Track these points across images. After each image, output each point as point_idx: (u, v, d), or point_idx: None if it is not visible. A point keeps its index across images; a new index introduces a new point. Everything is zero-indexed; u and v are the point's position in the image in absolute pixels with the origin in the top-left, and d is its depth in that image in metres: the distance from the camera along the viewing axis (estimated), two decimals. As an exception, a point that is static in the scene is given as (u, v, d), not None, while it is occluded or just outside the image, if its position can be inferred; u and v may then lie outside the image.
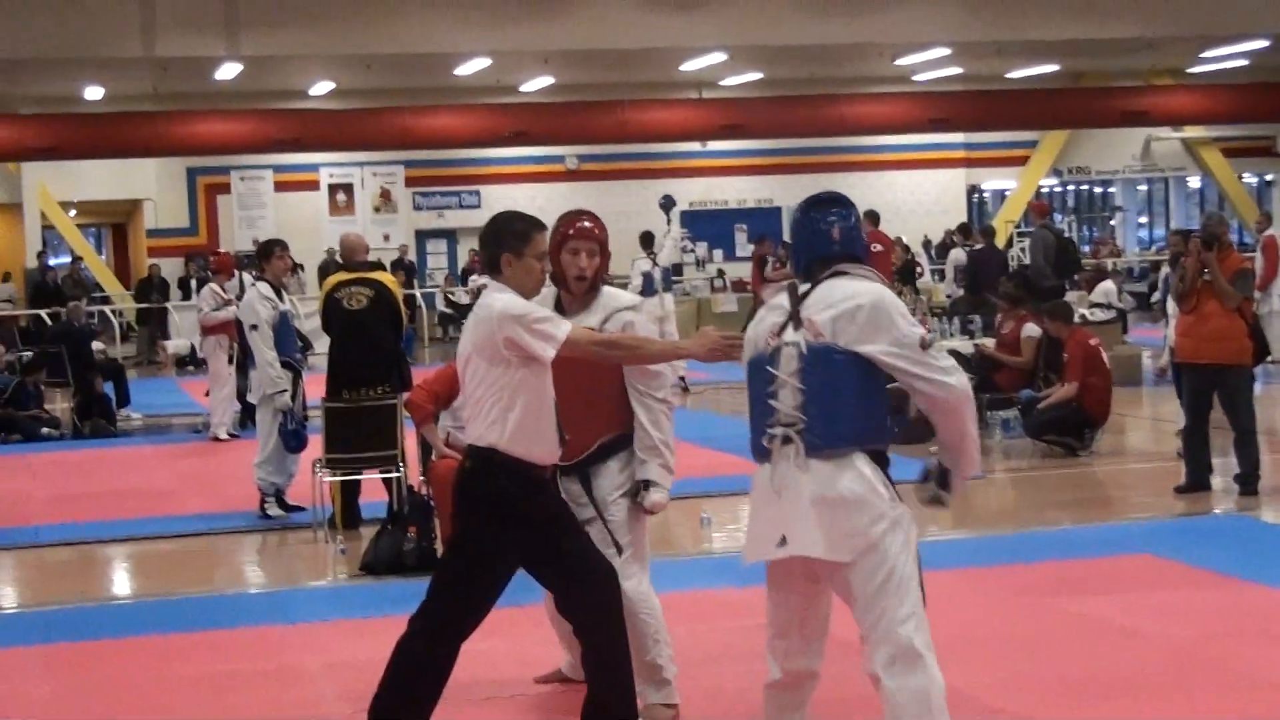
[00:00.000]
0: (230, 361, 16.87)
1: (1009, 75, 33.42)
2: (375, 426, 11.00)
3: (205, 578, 10.48)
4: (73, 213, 34.16)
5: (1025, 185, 37.17)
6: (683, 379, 20.19)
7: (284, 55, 26.49)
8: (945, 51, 29.55)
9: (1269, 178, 41.08)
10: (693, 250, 34.40)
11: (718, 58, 28.79)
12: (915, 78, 33.41)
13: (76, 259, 33.31)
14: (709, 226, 35.78)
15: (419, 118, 28.93)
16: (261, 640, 8.52)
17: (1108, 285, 22.66)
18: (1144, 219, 42.50)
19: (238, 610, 9.29)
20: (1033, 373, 14.70)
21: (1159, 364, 14.67)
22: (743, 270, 33.23)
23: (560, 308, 6.61)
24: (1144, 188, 41.78)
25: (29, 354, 20.16)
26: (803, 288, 5.31)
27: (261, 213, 33.11)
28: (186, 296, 30.08)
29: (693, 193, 36.02)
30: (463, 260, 33.99)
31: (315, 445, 11.56)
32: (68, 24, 23.37)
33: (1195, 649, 7.57)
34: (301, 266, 28.79)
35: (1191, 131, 37.31)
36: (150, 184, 33.53)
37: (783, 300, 5.36)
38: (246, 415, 16.73)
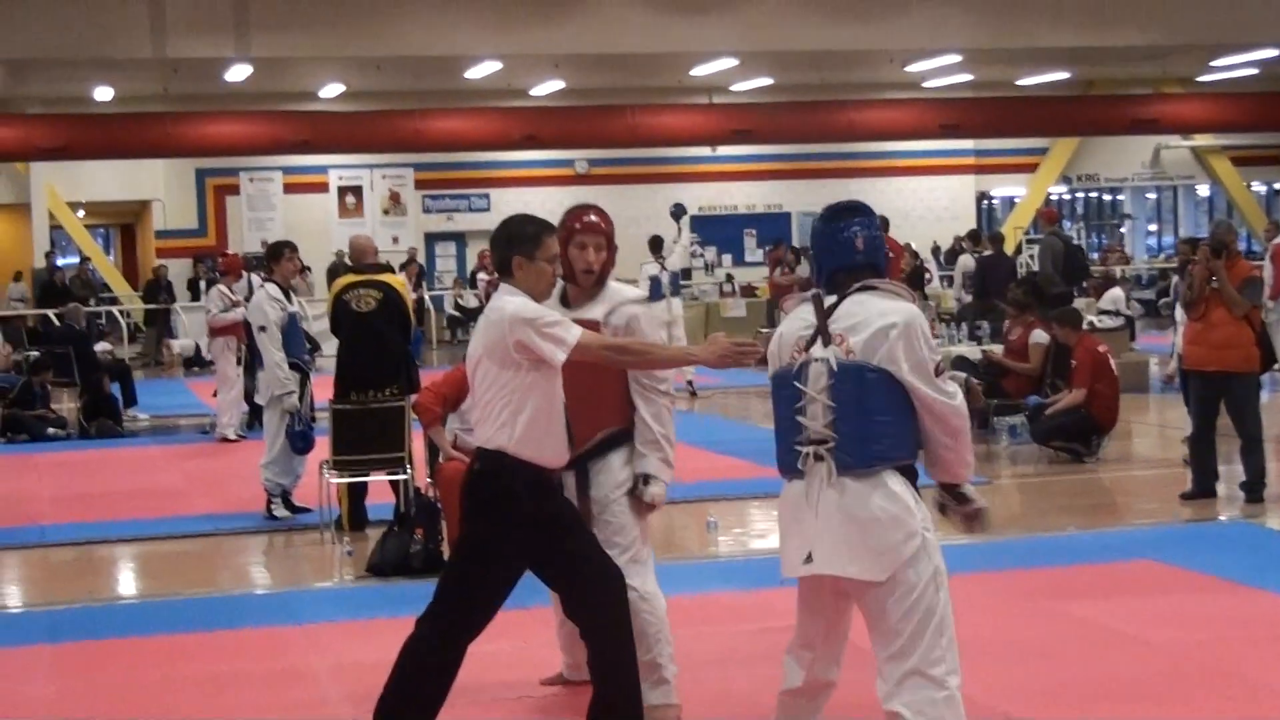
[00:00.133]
0: (238, 363, 16.90)
1: (1019, 82, 33.42)
2: (383, 428, 11.01)
3: (211, 578, 10.49)
4: (81, 213, 34.21)
5: (1034, 192, 37.16)
6: (691, 383, 20.21)
7: (294, 57, 26.53)
8: (956, 58, 29.55)
9: (1278, 186, 41.05)
10: (702, 255, 34.42)
11: (728, 63, 28.79)
12: (925, 84, 33.41)
13: (85, 259, 33.35)
14: (718, 231, 35.81)
15: (429, 120, 28.93)
16: (267, 641, 8.53)
17: (1116, 292, 22.64)
18: (1153, 227, 42.48)
19: (244, 611, 9.30)
20: (1040, 379, 14.69)
21: (1167, 371, 14.66)
22: (752, 275, 33.29)
23: (566, 301, 6.63)
24: (1153, 196, 41.77)
25: (36, 354, 20.17)
26: (828, 300, 5.26)
27: (270, 214, 33.13)
28: (196, 297, 30.12)
29: (702, 198, 36.04)
30: (471, 263, 34.01)
31: (322, 447, 11.58)
32: (77, 25, 23.43)
33: (1200, 655, 7.56)
34: (308, 268, 28.83)
35: (1201, 140, 37.32)
36: (159, 185, 33.59)
37: (806, 313, 5.29)
38: (254, 416, 16.75)
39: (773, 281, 28.01)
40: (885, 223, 20.47)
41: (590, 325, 6.41)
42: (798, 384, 5.15)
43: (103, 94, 29.67)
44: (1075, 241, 28.14)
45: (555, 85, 31.04)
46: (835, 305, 5.20)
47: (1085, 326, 15.30)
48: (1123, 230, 40.99)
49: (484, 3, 24.24)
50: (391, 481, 11.12)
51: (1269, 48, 28.79)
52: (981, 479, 13.01)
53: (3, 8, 22.63)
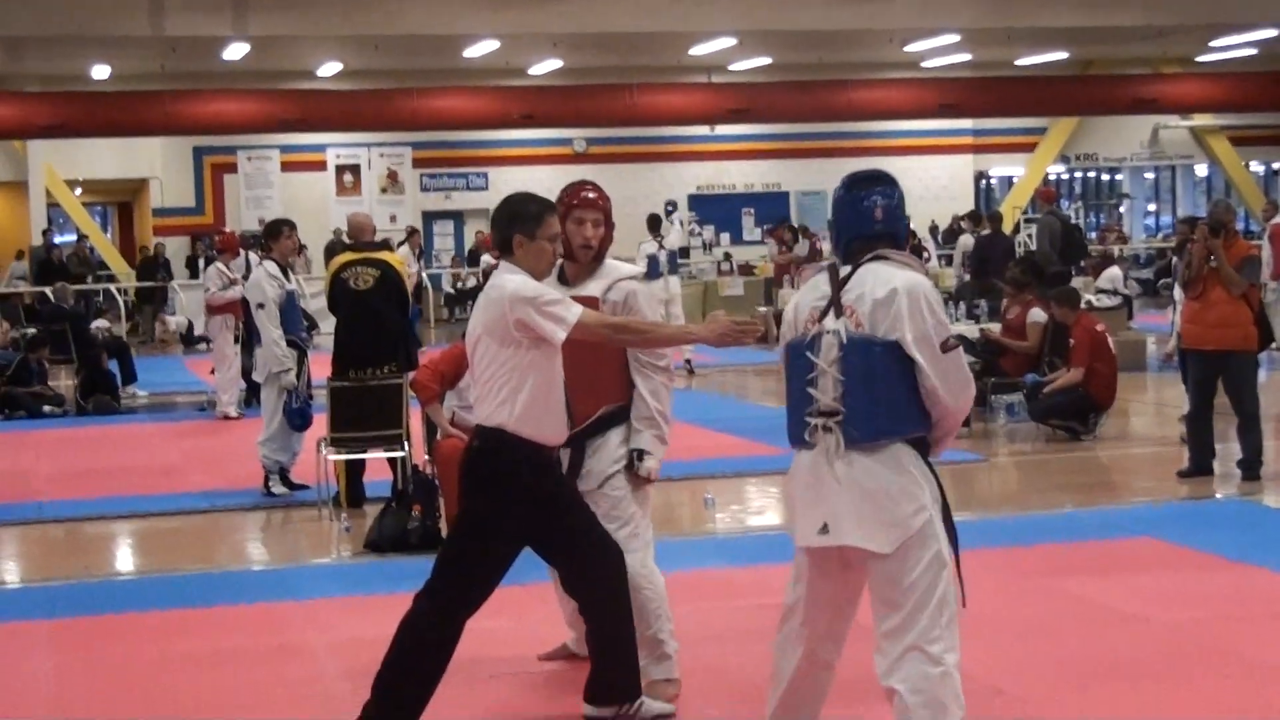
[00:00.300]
0: (236, 340, 16.90)
1: (1018, 62, 33.39)
2: (380, 406, 11.01)
3: (209, 555, 10.49)
4: (79, 191, 34.18)
5: (1033, 172, 37.15)
6: (689, 361, 20.23)
7: (292, 35, 26.51)
8: (954, 38, 29.54)
9: (1276, 166, 41.07)
10: (700, 234, 34.41)
11: (727, 42, 28.77)
12: (924, 64, 33.39)
13: (82, 237, 33.32)
14: (716, 210, 35.80)
15: (427, 99, 28.92)
16: (265, 617, 8.54)
17: (1114, 271, 22.66)
18: (1151, 206, 42.48)
19: (241, 587, 9.30)
20: (1038, 357, 14.69)
21: (1166, 349, 14.67)
22: (750, 254, 33.26)
23: (564, 278, 6.63)
24: (1151, 175, 41.76)
25: (33, 331, 20.16)
26: (843, 271, 5.22)
27: (268, 193, 33.09)
28: (194, 275, 30.11)
29: (700, 177, 36.03)
30: (469, 242, 34.00)
31: (320, 424, 11.58)
32: (75, 2, 23.40)
33: (1197, 632, 7.57)
34: (304, 246, 28.80)
35: (1199, 120, 37.31)
36: (156, 163, 33.55)
37: (822, 283, 5.26)
38: (251, 394, 16.75)
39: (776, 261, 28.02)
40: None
41: (588, 302, 6.41)
42: (810, 355, 5.13)
43: (100, 72, 29.63)
44: (1073, 221, 28.13)
45: (553, 64, 31.01)
46: (849, 276, 5.18)
47: (1083, 305, 15.30)
48: (1121, 210, 40.98)
49: (482, -19, 24.25)
50: (389, 459, 11.13)
51: (1268, 28, 28.78)
52: (978, 455, 13.04)
53: (0, -16, 22.63)
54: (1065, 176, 40.32)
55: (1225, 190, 38.47)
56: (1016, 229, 32.34)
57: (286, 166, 33.39)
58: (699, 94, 31.01)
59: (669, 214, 21.25)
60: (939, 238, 33.64)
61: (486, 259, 28.96)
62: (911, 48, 30.77)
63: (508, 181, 32.91)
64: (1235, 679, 6.81)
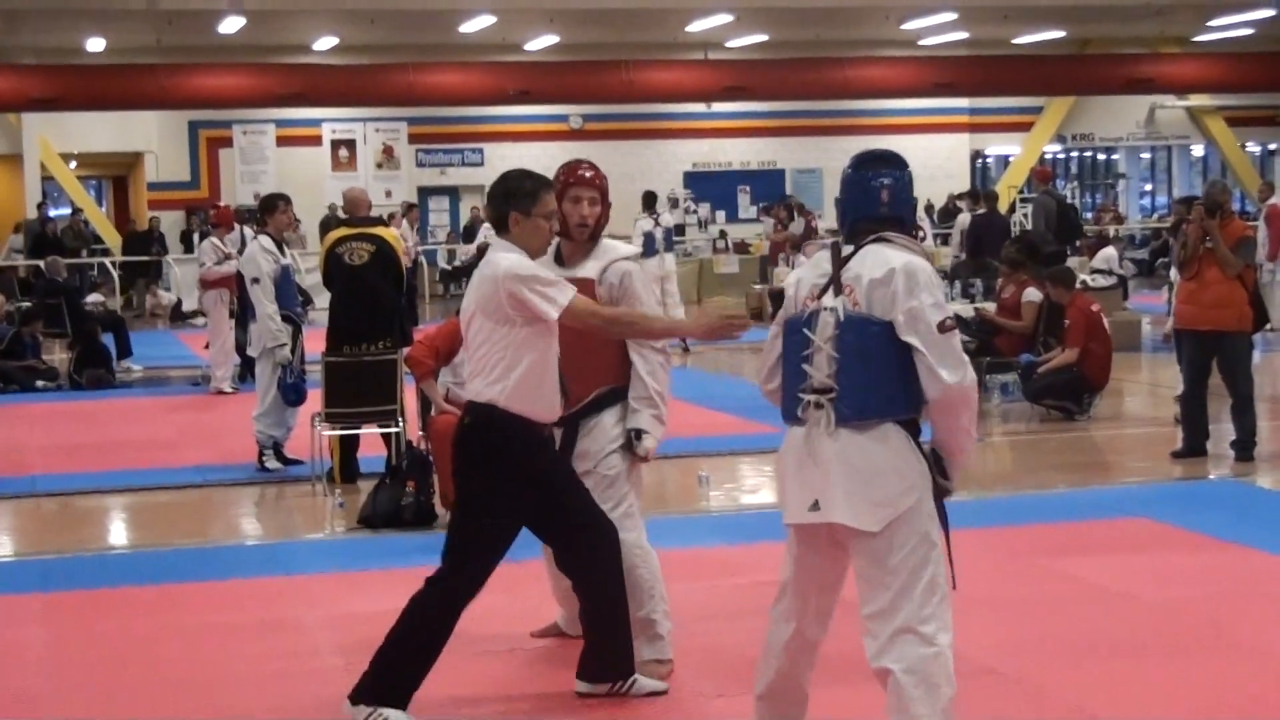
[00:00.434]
0: (230, 315, 16.88)
1: (1015, 41, 33.36)
2: (375, 381, 11.00)
3: (203, 529, 10.49)
4: (73, 165, 34.11)
5: (1029, 151, 37.12)
6: (683, 339, 20.21)
7: (287, 9, 26.46)
8: (951, 16, 29.49)
9: (1272, 147, 41.05)
10: (695, 211, 34.38)
11: (724, 19, 28.72)
12: (921, 42, 33.35)
13: (76, 211, 33.26)
14: (712, 188, 35.76)
15: (423, 75, 28.86)
16: (258, 592, 8.53)
17: (1109, 252, 22.66)
18: (1147, 186, 42.47)
19: (235, 562, 9.30)
20: (1033, 337, 14.70)
21: (1164, 330, 14.68)
22: (745, 232, 33.27)
23: (560, 258, 6.62)
24: (1147, 155, 41.74)
25: (28, 305, 20.13)
26: (845, 250, 5.21)
27: (263, 167, 33.05)
28: (189, 250, 30.07)
29: (696, 154, 35.98)
30: (465, 218, 33.94)
31: (314, 399, 11.57)
32: (70, -25, 23.34)
33: (1189, 612, 7.58)
34: (298, 220, 28.74)
35: (1196, 100, 37.27)
36: (151, 137, 33.47)
37: (824, 260, 5.24)
38: (246, 368, 16.73)
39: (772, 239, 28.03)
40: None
41: (584, 283, 6.42)
42: (807, 331, 5.13)
43: (95, 45, 29.55)
44: (1069, 201, 28.12)
45: (549, 40, 30.95)
46: (851, 255, 5.17)
47: (1078, 285, 15.29)
48: (1117, 190, 40.97)
49: (479, -45, 24.18)
50: (383, 434, 11.13)
51: (1265, 7, 28.75)
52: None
53: (-5, -43, 22.56)
54: (1061, 156, 40.30)
55: (1221, 171, 38.46)
56: (1012, 209, 32.33)
57: (282, 141, 33.34)
58: (695, 71, 30.96)
59: (672, 207, 21.21)
60: (934, 216, 33.62)
61: (486, 230, 28.90)
62: (908, 25, 30.72)
63: (503, 157, 32.86)
64: (1227, 659, 6.83)
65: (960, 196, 31.26)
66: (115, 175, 37.44)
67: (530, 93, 29.15)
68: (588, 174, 6.69)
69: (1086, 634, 7.19)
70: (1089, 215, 35.57)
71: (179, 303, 27.65)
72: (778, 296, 5.41)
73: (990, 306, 15.62)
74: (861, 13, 29.57)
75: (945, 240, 29.50)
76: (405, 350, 10.84)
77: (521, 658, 7.04)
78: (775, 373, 5.32)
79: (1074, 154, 40.90)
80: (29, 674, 7.09)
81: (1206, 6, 29.46)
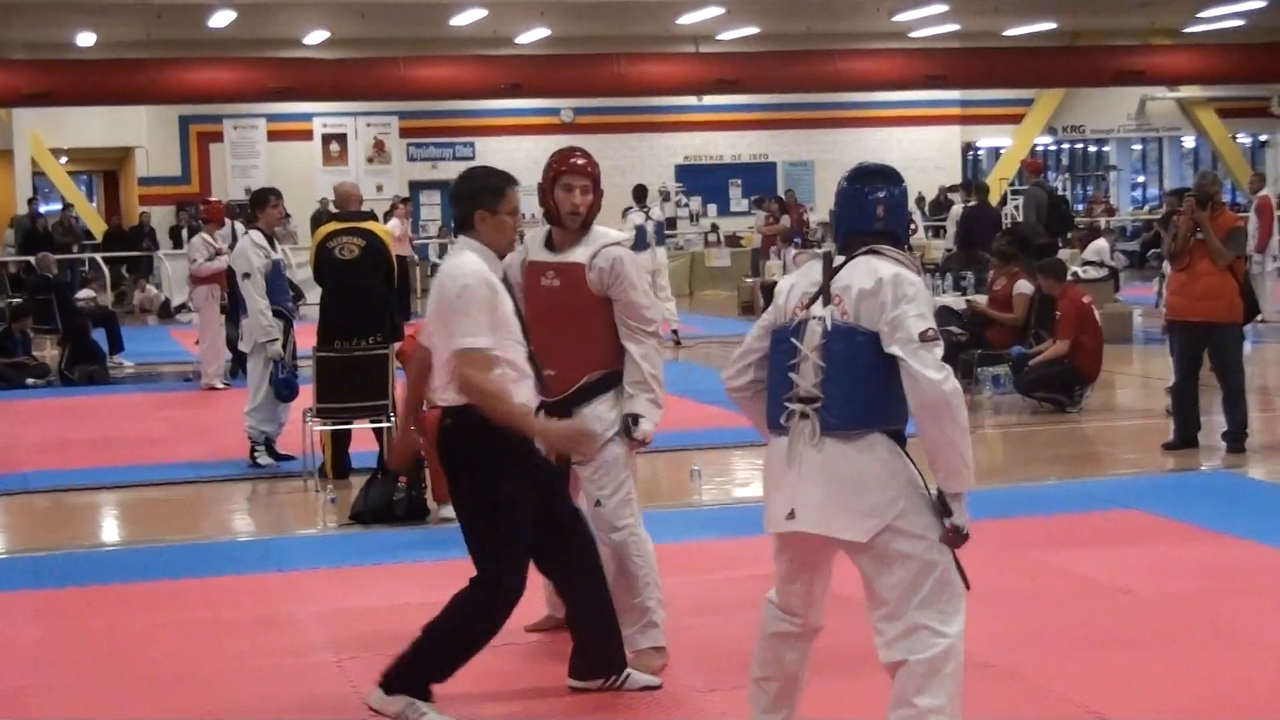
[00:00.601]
0: (221, 311, 16.85)
1: (1006, 33, 33.35)
2: (366, 376, 10.99)
3: (194, 526, 10.47)
4: (64, 160, 34.04)
5: (1020, 143, 37.12)
6: (675, 332, 20.21)
7: (278, 3, 26.42)
8: (943, 8, 29.50)
9: (1263, 138, 41.08)
10: (686, 205, 34.37)
11: (715, 11, 28.71)
12: (912, 34, 33.33)
13: (67, 206, 33.20)
14: (703, 181, 35.74)
15: (414, 68, 28.83)
16: (250, 588, 8.52)
17: (1100, 243, 22.70)
18: (1139, 178, 42.48)
19: (227, 558, 9.29)
20: (1024, 329, 14.71)
21: (1163, 322, 14.69)
22: (736, 225, 33.25)
23: (551, 244, 6.62)
24: (1139, 147, 41.77)
25: (18, 300, 20.09)
26: (836, 260, 5.19)
27: (254, 162, 33.01)
28: (178, 245, 30.03)
29: (688, 147, 35.95)
30: (456, 212, 33.88)
31: (306, 394, 11.56)
32: (60, -31, 23.28)
33: (1182, 604, 7.59)
34: (288, 215, 28.71)
35: (1187, 91, 37.28)
36: (142, 132, 33.40)
37: (814, 270, 5.23)
38: (237, 364, 16.71)
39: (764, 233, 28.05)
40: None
41: (574, 269, 6.44)
42: (794, 340, 5.12)
43: (85, 39, 29.49)
44: (1060, 193, 28.13)
45: (541, 33, 30.92)
46: (841, 266, 5.15)
47: (1069, 278, 15.30)
48: (1108, 181, 40.99)
49: (469, -51, 24.15)
50: (375, 429, 11.11)
51: (1256, -1, 28.76)
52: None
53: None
54: (1052, 148, 40.32)
55: (1212, 162, 38.48)
56: (1003, 201, 32.33)
57: (273, 135, 33.30)
58: (686, 64, 30.95)
59: (664, 200, 21.19)
60: (925, 209, 33.64)
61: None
62: (900, 17, 30.72)
63: (495, 151, 32.83)
64: (1220, 650, 6.83)
65: (952, 189, 31.31)
66: (106, 170, 37.37)
67: (521, 86, 29.13)
68: (580, 161, 6.68)
69: (1078, 626, 7.20)
70: (1080, 207, 35.59)
71: (167, 301, 27.60)
72: (769, 290, 5.39)
73: (981, 299, 15.63)
74: (853, 5, 29.58)
75: (937, 233, 29.50)
76: (396, 345, 10.83)
77: (515, 651, 7.03)
78: (746, 371, 5.33)
79: (1065, 146, 40.92)
80: (21, 671, 7.07)
81: (1197, -2, 29.51)
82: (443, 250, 32.24)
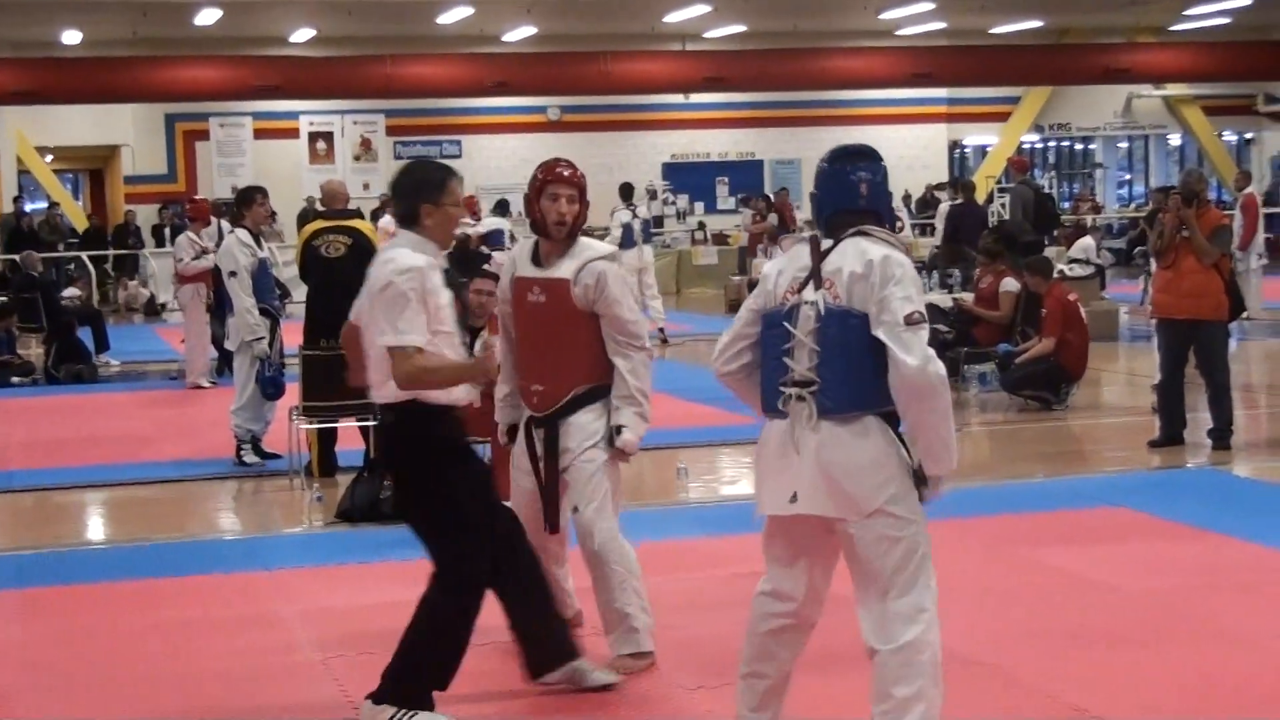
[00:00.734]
0: (206, 310, 16.82)
1: (992, 31, 33.37)
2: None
3: (180, 524, 10.46)
4: (49, 158, 33.95)
5: (1007, 141, 37.13)
6: (662, 330, 20.21)
7: (264, 1, 26.34)
8: (929, 6, 29.51)
9: (1248, 136, 41.12)
10: (673, 203, 34.36)
11: (702, 9, 28.70)
12: (899, 32, 33.34)
13: (53, 205, 33.12)
14: (690, 179, 35.70)
15: (400, 66, 28.80)
16: (237, 586, 8.51)
17: (1087, 241, 22.70)
18: (1125, 176, 42.53)
19: (213, 556, 9.28)
20: (1010, 327, 14.72)
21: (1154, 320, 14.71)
22: (724, 223, 33.23)
23: (538, 258, 6.61)
24: (1125, 145, 41.79)
25: (2, 299, 20.03)
26: (825, 244, 5.21)
27: (241, 160, 32.94)
28: (160, 244, 29.97)
29: (675, 145, 35.93)
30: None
31: (292, 393, 11.54)
32: (45, -33, 23.21)
33: (1168, 601, 7.60)
34: (275, 214, 28.63)
35: (1173, 89, 37.32)
36: (128, 130, 33.30)
37: (802, 254, 5.25)
38: (223, 362, 16.69)
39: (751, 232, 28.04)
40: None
41: (560, 285, 6.44)
42: (787, 325, 5.13)
43: (71, 37, 29.41)
44: (1046, 190, 28.13)
45: (527, 31, 30.89)
46: (830, 249, 5.16)
47: (1056, 275, 15.32)
48: (1094, 179, 41.03)
49: (456, -54, 24.11)
50: (361, 427, 11.09)
51: (1241, -3, 28.80)
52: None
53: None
54: (1039, 146, 40.32)
55: (1198, 160, 38.51)
56: (990, 198, 32.35)
57: (259, 134, 33.21)
58: (673, 62, 30.94)
59: (650, 198, 21.16)
60: (912, 206, 33.64)
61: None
62: (886, 15, 30.72)
63: (482, 149, 32.80)
64: (1206, 647, 6.84)
65: (939, 187, 31.32)
66: (92, 169, 37.27)
67: (508, 84, 29.10)
68: (565, 172, 6.68)
69: (1064, 623, 7.21)
70: (1066, 205, 35.58)
71: (151, 299, 27.53)
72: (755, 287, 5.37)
73: (968, 296, 15.64)
74: (839, 2, 29.58)
75: (924, 230, 29.50)
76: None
77: (494, 651, 7.02)
78: (737, 357, 5.35)
79: (1051, 144, 40.93)
80: (5, 671, 7.06)
81: (1183, -4, 29.53)
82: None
